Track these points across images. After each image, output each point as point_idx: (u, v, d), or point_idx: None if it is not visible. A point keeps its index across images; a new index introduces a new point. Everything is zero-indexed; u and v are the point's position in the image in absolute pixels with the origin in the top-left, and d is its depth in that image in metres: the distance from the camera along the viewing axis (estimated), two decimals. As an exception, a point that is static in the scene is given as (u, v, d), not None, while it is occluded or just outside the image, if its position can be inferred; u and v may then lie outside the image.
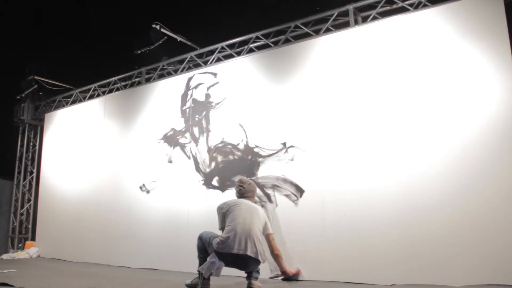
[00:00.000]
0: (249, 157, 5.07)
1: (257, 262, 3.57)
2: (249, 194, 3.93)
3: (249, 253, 3.46)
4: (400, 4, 4.54)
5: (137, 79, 6.98)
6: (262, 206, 4.80)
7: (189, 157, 5.68)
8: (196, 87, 5.86)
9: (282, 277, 4.32)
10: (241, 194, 3.94)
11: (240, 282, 4.33)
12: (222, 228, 3.75)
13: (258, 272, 3.60)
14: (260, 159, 4.96)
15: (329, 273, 4.20)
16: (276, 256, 3.96)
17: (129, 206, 6.19)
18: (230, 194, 5.11)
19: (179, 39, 6.42)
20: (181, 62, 6.41)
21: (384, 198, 4.04)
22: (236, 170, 5.15)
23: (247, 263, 3.56)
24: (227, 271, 4.82)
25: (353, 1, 4.79)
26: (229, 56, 5.82)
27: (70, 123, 7.65)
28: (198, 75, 5.88)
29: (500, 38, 3.72)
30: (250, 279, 3.55)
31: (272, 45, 5.41)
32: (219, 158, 5.37)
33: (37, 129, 8.76)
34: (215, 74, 5.69)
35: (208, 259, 3.51)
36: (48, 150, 8.02)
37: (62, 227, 7.23)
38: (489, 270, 3.45)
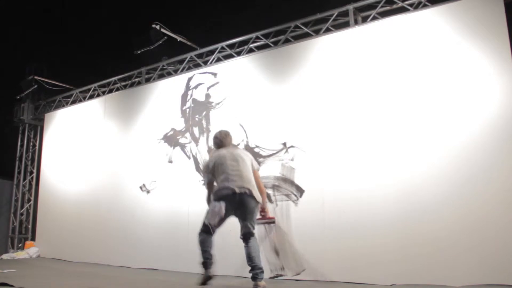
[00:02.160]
0: (249, 157, 5.07)
1: (256, 202, 3.60)
2: (227, 144, 3.91)
3: (246, 190, 3.54)
4: (400, 4, 4.54)
5: (137, 79, 6.98)
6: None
7: (189, 157, 5.68)
8: (196, 87, 5.86)
9: (262, 221, 4.05)
10: (219, 147, 3.90)
11: (243, 282, 4.34)
12: (209, 181, 3.79)
13: (262, 272, 3.57)
14: (260, 159, 4.96)
15: (329, 273, 4.21)
16: (261, 192, 3.81)
17: (129, 206, 6.19)
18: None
19: (179, 39, 6.42)
20: (181, 62, 6.41)
21: (384, 198, 4.04)
22: (236, 170, 5.14)
23: (246, 204, 3.56)
24: (230, 271, 4.83)
25: (353, 1, 4.79)
26: (229, 56, 5.82)
27: (70, 123, 7.64)
28: (198, 75, 5.88)
29: (500, 38, 3.72)
30: (256, 280, 3.53)
31: (272, 45, 5.41)
32: (219, 158, 5.37)
33: (37, 129, 8.76)
34: (215, 74, 5.69)
35: (208, 208, 3.64)
36: (48, 150, 8.02)
37: (62, 227, 7.22)
38: (489, 270, 3.45)
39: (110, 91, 7.23)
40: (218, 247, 5.06)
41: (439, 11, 4.11)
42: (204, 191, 5.37)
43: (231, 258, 4.93)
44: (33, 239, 8.02)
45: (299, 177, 4.63)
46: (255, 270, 3.52)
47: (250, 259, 3.57)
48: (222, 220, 3.61)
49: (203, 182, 5.40)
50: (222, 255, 5.03)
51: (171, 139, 5.94)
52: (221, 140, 3.91)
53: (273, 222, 4.36)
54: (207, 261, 3.66)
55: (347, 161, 4.35)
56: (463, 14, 3.96)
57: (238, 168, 3.64)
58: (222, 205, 3.55)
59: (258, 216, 3.79)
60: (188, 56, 6.26)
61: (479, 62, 3.81)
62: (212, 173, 3.73)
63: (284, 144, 4.81)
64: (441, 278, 3.62)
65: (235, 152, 3.80)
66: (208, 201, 3.79)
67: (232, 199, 3.53)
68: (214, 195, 3.64)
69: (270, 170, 4.85)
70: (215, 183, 3.73)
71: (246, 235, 3.57)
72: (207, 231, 3.64)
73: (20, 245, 8.18)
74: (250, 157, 3.85)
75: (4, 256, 7.44)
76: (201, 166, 5.52)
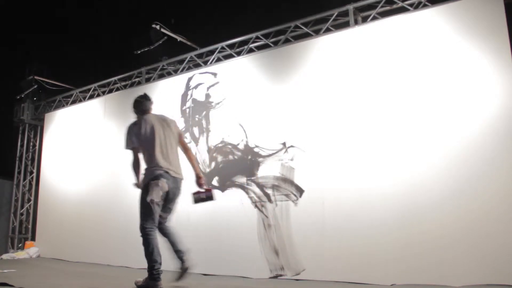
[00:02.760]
0: (249, 157, 5.07)
1: (181, 183, 3.48)
2: (151, 107, 3.64)
3: (180, 176, 3.45)
4: (400, 4, 4.54)
5: (137, 79, 6.98)
6: (262, 206, 4.80)
7: (189, 157, 5.67)
8: (196, 87, 5.86)
9: (202, 195, 3.74)
10: (145, 112, 3.59)
11: (243, 282, 4.34)
12: (132, 148, 3.49)
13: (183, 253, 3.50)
14: (260, 159, 4.96)
15: (329, 273, 4.21)
16: (191, 159, 3.73)
17: (129, 206, 6.17)
18: (231, 194, 5.11)
19: (179, 39, 6.42)
20: (181, 62, 6.41)
21: (384, 198, 4.04)
22: (236, 170, 5.15)
23: (178, 186, 3.47)
24: (222, 271, 4.82)
25: (353, 1, 4.79)
26: (229, 56, 5.82)
27: (70, 123, 7.64)
28: (198, 75, 5.88)
29: (500, 38, 3.72)
30: (186, 262, 3.46)
31: (272, 45, 5.41)
32: (219, 158, 5.37)
33: (37, 129, 8.76)
34: (215, 74, 5.69)
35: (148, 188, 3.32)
36: (48, 150, 8.02)
37: (62, 227, 7.22)
38: (489, 270, 3.45)
39: (110, 91, 7.23)
40: (217, 246, 5.08)
41: (439, 11, 4.11)
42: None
43: (231, 258, 4.95)
44: (33, 239, 8.02)
45: (298, 177, 4.63)
46: (185, 254, 3.48)
47: (178, 243, 3.50)
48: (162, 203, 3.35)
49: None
50: (222, 255, 5.04)
51: (171, 139, 5.93)
52: (149, 104, 3.60)
53: (211, 198, 3.76)
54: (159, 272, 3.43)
55: (347, 161, 4.35)
56: (463, 14, 3.96)
57: (166, 140, 3.43)
58: (163, 181, 3.30)
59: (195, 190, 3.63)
60: (188, 56, 6.26)
61: (479, 62, 3.81)
62: (139, 143, 3.43)
63: (284, 144, 4.81)
64: (441, 278, 3.62)
65: (163, 119, 3.53)
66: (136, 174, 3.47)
67: (170, 182, 3.35)
68: (151, 177, 3.34)
69: (269, 170, 4.85)
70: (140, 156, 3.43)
71: (167, 221, 3.46)
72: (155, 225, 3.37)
73: (20, 245, 8.18)
74: (177, 127, 3.61)
75: (4, 256, 7.43)
76: (201, 166, 5.52)
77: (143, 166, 3.49)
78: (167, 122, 3.57)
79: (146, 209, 3.36)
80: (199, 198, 3.69)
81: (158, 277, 3.48)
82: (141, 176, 3.46)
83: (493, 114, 3.67)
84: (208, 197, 3.72)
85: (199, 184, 3.72)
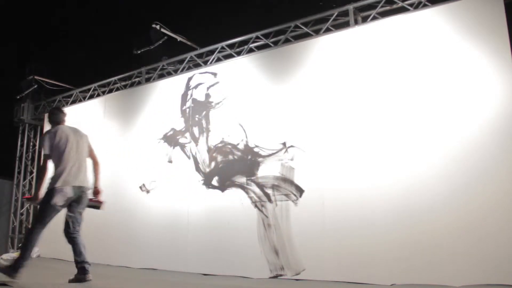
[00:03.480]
0: (249, 157, 5.07)
1: (87, 190, 3.69)
2: (64, 119, 3.88)
3: (86, 184, 3.67)
4: (400, 4, 4.53)
5: (137, 79, 6.98)
6: (262, 206, 4.81)
7: (189, 157, 5.68)
8: (196, 87, 5.86)
9: (90, 203, 3.92)
10: (59, 122, 3.80)
11: (243, 282, 4.34)
12: (49, 156, 3.59)
13: (89, 264, 3.70)
14: (260, 159, 4.96)
15: (329, 273, 4.20)
16: (96, 172, 3.96)
17: (129, 206, 6.18)
18: (230, 194, 5.11)
19: (179, 39, 6.42)
20: (181, 62, 6.41)
21: (384, 198, 4.04)
22: (236, 170, 5.14)
23: (84, 197, 3.68)
24: (222, 271, 4.83)
25: (353, 1, 4.78)
26: (229, 56, 5.82)
27: (70, 123, 7.62)
28: (198, 75, 5.88)
29: (500, 38, 3.72)
30: (87, 273, 3.63)
31: (272, 45, 5.41)
32: (219, 158, 5.37)
33: (37, 129, 8.76)
34: (215, 74, 5.68)
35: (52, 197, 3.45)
36: (48, 150, 8.00)
37: (62, 227, 7.20)
38: (489, 270, 3.45)
39: (110, 91, 7.23)
40: (217, 246, 5.08)
41: (439, 11, 4.11)
42: (204, 191, 5.38)
43: (231, 258, 4.95)
44: (33, 239, 8.01)
45: (298, 177, 4.63)
46: (88, 264, 3.68)
47: (82, 253, 3.70)
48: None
49: (202, 182, 5.40)
50: (222, 255, 5.04)
51: (171, 139, 5.94)
52: (62, 116, 3.82)
53: (98, 207, 4.04)
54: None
55: (347, 161, 4.35)
56: (463, 14, 3.96)
57: (79, 151, 3.67)
58: (67, 192, 3.50)
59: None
60: (188, 56, 6.26)
61: (479, 62, 3.81)
62: (52, 152, 3.56)
63: (284, 144, 4.81)
64: (441, 278, 3.62)
65: (76, 131, 3.77)
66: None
67: (75, 192, 3.56)
68: (57, 183, 3.48)
69: (269, 170, 4.85)
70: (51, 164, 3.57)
71: (78, 229, 3.70)
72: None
73: (20, 245, 8.17)
74: (87, 139, 3.87)
75: (4, 256, 7.42)
76: (200, 166, 5.53)
77: (50, 173, 3.58)
78: (80, 135, 3.82)
79: (45, 212, 3.55)
80: (89, 204, 3.91)
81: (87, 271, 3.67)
82: (47, 183, 3.56)
83: (493, 114, 3.67)
84: (96, 206, 4.02)
85: (95, 194, 3.96)
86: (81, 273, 3.55)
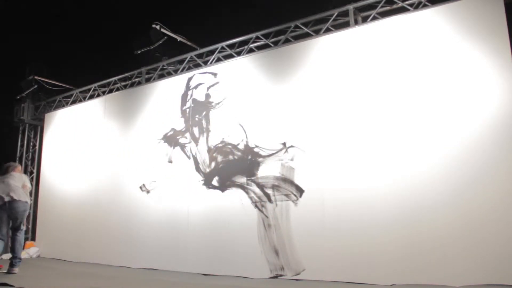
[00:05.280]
0: (249, 157, 5.07)
1: (27, 206, 4.98)
2: (12, 169, 5.14)
3: (18, 198, 4.85)
4: (400, 4, 4.54)
5: (137, 79, 6.98)
6: (262, 206, 4.82)
7: (189, 157, 5.68)
8: (196, 87, 5.86)
9: None
10: (6, 171, 5.11)
11: (243, 282, 4.34)
12: None
13: (20, 260, 4.81)
14: (260, 159, 4.96)
15: (329, 273, 4.20)
16: (26, 192, 5.14)
17: (129, 206, 6.19)
18: (231, 194, 5.12)
19: (179, 39, 6.42)
20: (181, 62, 6.41)
21: (384, 198, 4.04)
22: (236, 170, 5.15)
23: (20, 207, 4.87)
24: (222, 271, 4.83)
25: (353, 1, 4.79)
26: (229, 56, 5.82)
27: (70, 123, 7.64)
28: (198, 75, 5.88)
29: (500, 38, 3.72)
30: (12, 267, 4.72)
31: (272, 45, 5.41)
32: (219, 158, 5.37)
33: (37, 129, 8.76)
34: (215, 74, 5.69)
35: None
36: (48, 150, 8.02)
37: (62, 227, 7.22)
38: (489, 270, 3.45)
39: (110, 91, 7.23)
40: (217, 246, 5.08)
41: (439, 11, 4.11)
42: (204, 191, 5.39)
43: (231, 258, 4.95)
44: (33, 239, 8.01)
45: (298, 177, 4.63)
46: (18, 259, 4.82)
47: (17, 250, 4.84)
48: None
49: (203, 182, 5.41)
50: (222, 255, 5.04)
51: (171, 139, 5.94)
52: (9, 169, 5.14)
53: None
54: None
55: (347, 161, 4.35)
56: (463, 14, 3.96)
57: (14, 184, 4.97)
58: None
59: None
60: (188, 56, 6.26)
61: (479, 62, 3.81)
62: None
63: (284, 144, 4.81)
64: (441, 278, 3.62)
65: (14, 175, 5.11)
66: None
67: (11, 205, 4.81)
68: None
69: (269, 170, 4.85)
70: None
71: (18, 227, 4.93)
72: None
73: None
74: (23, 178, 5.20)
75: (4, 256, 7.43)
76: (201, 166, 5.53)
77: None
78: (17, 178, 5.12)
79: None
80: None
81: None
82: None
83: (493, 114, 3.67)
84: None
85: None
86: None
